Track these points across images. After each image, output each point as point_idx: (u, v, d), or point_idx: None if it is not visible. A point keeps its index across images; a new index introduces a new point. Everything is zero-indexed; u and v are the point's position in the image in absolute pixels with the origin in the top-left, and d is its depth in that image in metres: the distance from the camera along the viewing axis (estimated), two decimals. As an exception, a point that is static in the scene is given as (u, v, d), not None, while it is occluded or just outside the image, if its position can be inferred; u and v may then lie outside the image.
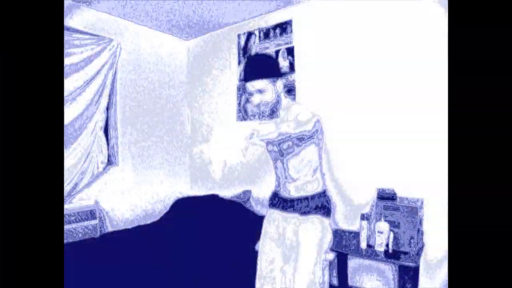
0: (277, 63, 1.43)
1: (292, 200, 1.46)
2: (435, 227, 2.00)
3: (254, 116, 2.92)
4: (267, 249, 1.50)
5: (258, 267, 1.52)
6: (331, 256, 1.44)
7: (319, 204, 1.44)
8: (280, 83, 1.36)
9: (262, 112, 1.38)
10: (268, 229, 1.53)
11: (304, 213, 1.43)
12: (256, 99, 1.34)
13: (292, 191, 1.47)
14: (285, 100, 1.42)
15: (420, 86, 2.07)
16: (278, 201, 1.53)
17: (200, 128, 3.42)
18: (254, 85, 1.31)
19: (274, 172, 1.55)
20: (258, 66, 1.32)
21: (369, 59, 2.27)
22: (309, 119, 1.31)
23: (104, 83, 2.66)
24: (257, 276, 1.51)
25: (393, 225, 1.84)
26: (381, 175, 2.22)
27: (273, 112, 1.39)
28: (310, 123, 1.30)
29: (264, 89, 1.31)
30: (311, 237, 1.39)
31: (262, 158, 2.65)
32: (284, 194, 1.50)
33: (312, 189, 1.45)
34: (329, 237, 1.45)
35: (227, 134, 1.24)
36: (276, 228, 1.51)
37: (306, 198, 1.44)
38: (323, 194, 1.48)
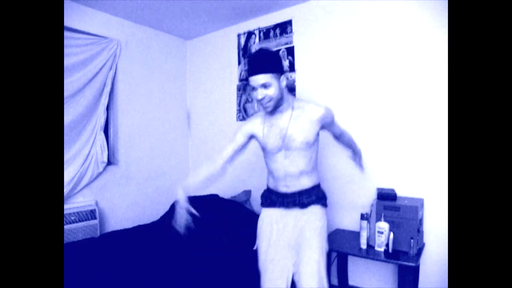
0: (281, 59, 1.40)
1: (293, 195, 1.46)
2: (435, 227, 2.01)
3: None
4: (268, 249, 1.47)
5: (262, 268, 1.49)
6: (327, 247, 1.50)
7: (319, 195, 1.49)
8: (284, 78, 1.35)
9: (265, 108, 1.37)
10: (266, 229, 1.51)
11: (305, 205, 1.46)
12: (259, 93, 1.31)
13: (293, 186, 1.46)
14: (288, 95, 1.42)
15: (420, 86, 2.07)
16: (276, 198, 1.51)
17: (200, 128, 3.42)
18: (258, 79, 1.29)
19: (268, 168, 1.54)
20: (262, 61, 1.30)
21: (369, 59, 2.27)
22: (321, 115, 1.39)
23: (104, 83, 2.66)
24: (262, 276, 1.48)
25: (393, 225, 1.83)
26: (381, 175, 2.22)
27: (276, 108, 1.38)
28: (324, 117, 1.40)
29: (269, 84, 1.30)
30: (313, 224, 1.43)
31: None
32: (283, 190, 1.49)
33: (311, 182, 1.48)
34: (326, 226, 1.51)
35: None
36: (272, 226, 1.49)
37: (307, 190, 1.47)
38: (319, 186, 1.53)
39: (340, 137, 1.61)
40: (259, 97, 1.32)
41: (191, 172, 3.53)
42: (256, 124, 1.50)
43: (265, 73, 1.28)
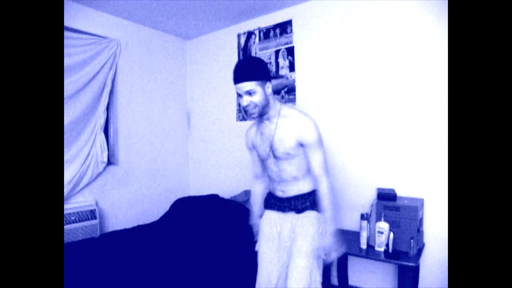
0: (266, 66, 1.42)
1: (288, 199, 1.48)
2: (435, 227, 2.01)
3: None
4: (266, 250, 1.50)
5: (259, 267, 1.52)
6: (334, 255, 1.42)
7: (314, 201, 1.48)
8: (269, 85, 1.38)
9: (251, 114, 1.39)
10: (265, 230, 1.54)
11: (300, 210, 1.46)
12: (244, 100, 1.34)
13: (289, 191, 1.48)
14: (275, 102, 1.43)
15: (420, 86, 2.07)
16: (274, 202, 1.54)
17: (200, 128, 3.42)
18: (243, 86, 1.32)
19: (266, 173, 1.57)
20: (247, 68, 1.33)
21: (369, 59, 2.27)
22: (299, 127, 1.37)
23: (104, 83, 2.66)
24: (258, 276, 1.51)
25: (393, 225, 1.83)
26: (381, 175, 2.22)
27: (262, 115, 1.40)
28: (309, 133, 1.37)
29: (253, 91, 1.32)
30: (305, 230, 1.42)
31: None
32: (279, 194, 1.51)
33: (306, 188, 1.48)
34: (322, 232, 1.45)
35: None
36: (271, 228, 1.52)
37: (302, 196, 1.47)
38: (316, 192, 1.51)
39: (317, 182, 1.42)
40: (244, 104, 1.35)
41: (191, 173, 3.53)
42: (251, 135, 1.56)
43: (250, 80, 1.31)
